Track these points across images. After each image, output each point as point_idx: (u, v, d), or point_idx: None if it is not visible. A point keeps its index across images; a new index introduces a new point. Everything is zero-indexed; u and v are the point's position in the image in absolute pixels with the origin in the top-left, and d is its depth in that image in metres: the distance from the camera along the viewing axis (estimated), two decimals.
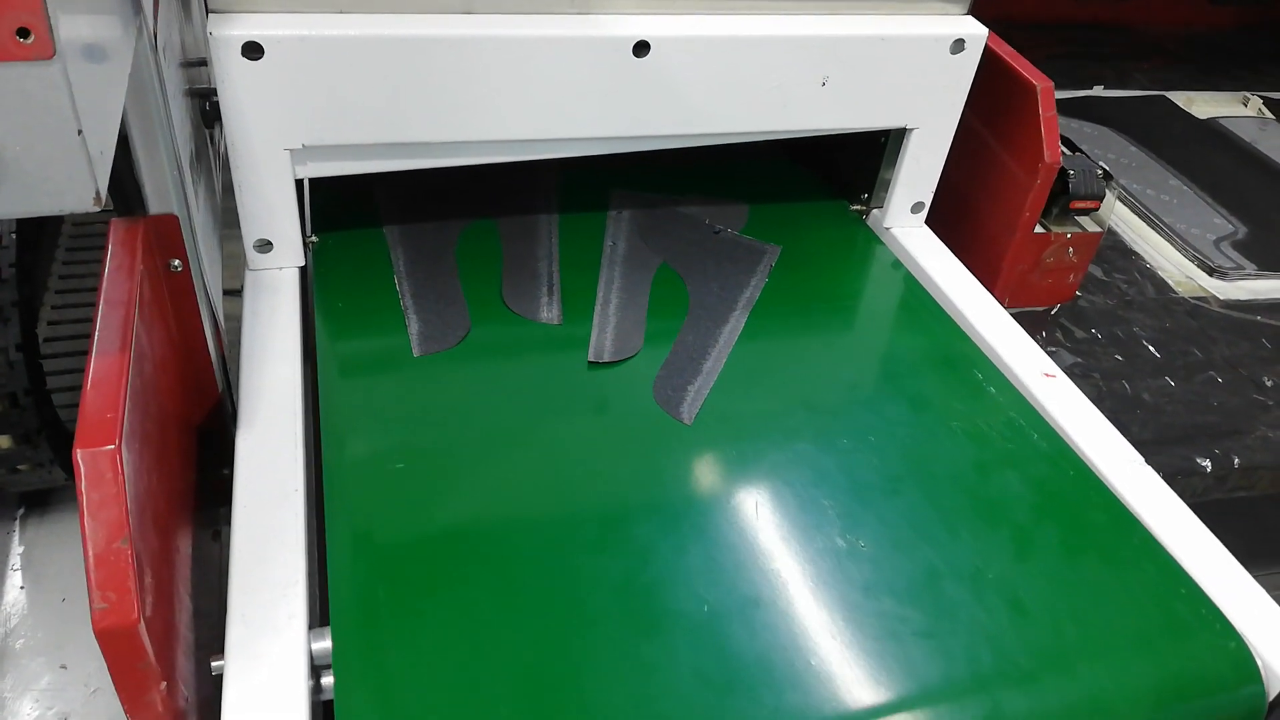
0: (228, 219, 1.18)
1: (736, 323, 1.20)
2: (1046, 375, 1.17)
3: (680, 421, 1.05)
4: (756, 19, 1.19)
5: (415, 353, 1.10)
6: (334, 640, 0.79)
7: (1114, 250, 1.85)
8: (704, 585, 0.87)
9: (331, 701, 0.76)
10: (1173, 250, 1.88)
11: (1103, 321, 1.65)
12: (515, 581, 0.86)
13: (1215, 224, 1.97)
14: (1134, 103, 2.43)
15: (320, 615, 0.85)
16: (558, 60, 1.12)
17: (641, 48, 1.14)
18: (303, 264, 1.20)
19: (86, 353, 0.76)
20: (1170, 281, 1.79)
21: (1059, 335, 1.60)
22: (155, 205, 0.90)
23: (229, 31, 1.01)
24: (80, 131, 0.57)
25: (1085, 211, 1.50)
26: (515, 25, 1.09)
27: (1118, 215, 1.96)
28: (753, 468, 1.01)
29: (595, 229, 1.35)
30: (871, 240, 1.42)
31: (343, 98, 1.08)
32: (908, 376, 1.15)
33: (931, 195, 1.42)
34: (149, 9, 0.84)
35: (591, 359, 1.12)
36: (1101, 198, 1.47)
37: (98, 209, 0.60)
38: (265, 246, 1.17)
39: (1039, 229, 1.47)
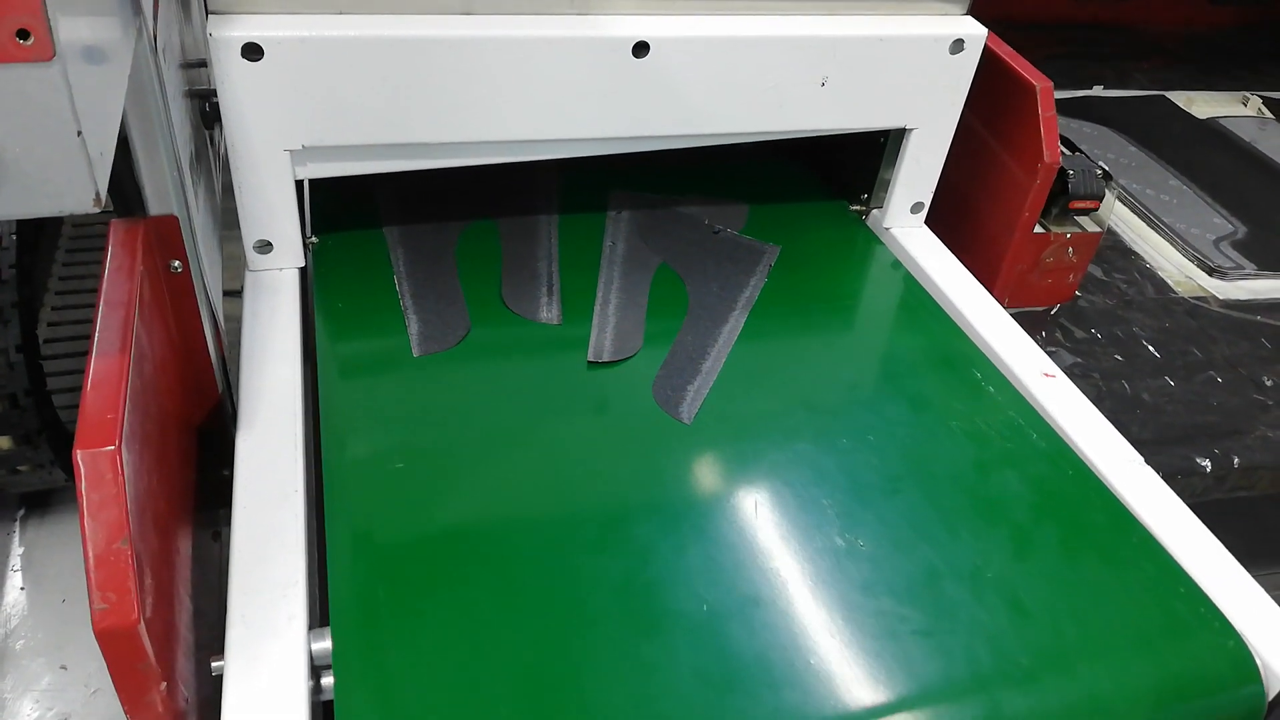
0: (228, 220, 1.18)
1: (736, 323, 1.20)
2: (1046, 375, 1.17)
3: (680, 421, 1.05)
4: (756, 19, 1.19)
5: (415, 353, 1.10)
6: (334, 641, 0.79)
7: (1114, 250, 1.85)
8: (704, 585, 0.87)
9: (331, 702, 0.76)
10: (1172, 250, 1.88)
11: (1102, 321, 1.65)
12: (515, 581, 0.86)
13: (1215, 224, 1.97)
14: (1133, 103, 2.43)
15: (320, 616, 0.85)
16: (557, 61, 1.12)
17: (641, 48, 1.14)
18: (303, 265, 1.20)
19: (86, 353, 0.76)
20: (1170, 281, 1.79)
21: (1059, 335, 1.60)
22: (155, 206, 0.90)
23: (229, 33, 1.01)
24: (80, 133, 0.57)
25: (1085, 211, 1.50)
26: (515, 26, 1.09)
27: (1117, 215, 1.96)
28: (752, 467, 1.01)
29: (595, 229, 1.35)
30: (871, 240, 1.42)
31: (342, 99, 1.08)
32: (907, 376, 1.16)
33: (931, 195, 1.42)
34: (149, 10, 0.84)
35: (591, 359, 1.12)
36: (1101, 198, 1.47)
37: (97, 210, 0.60)
38: (265, 247, 1.17)
39: (1038, 229, 1.47)
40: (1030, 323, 1.47)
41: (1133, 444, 1.08)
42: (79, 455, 0.67)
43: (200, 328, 1.00)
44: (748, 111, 1.23)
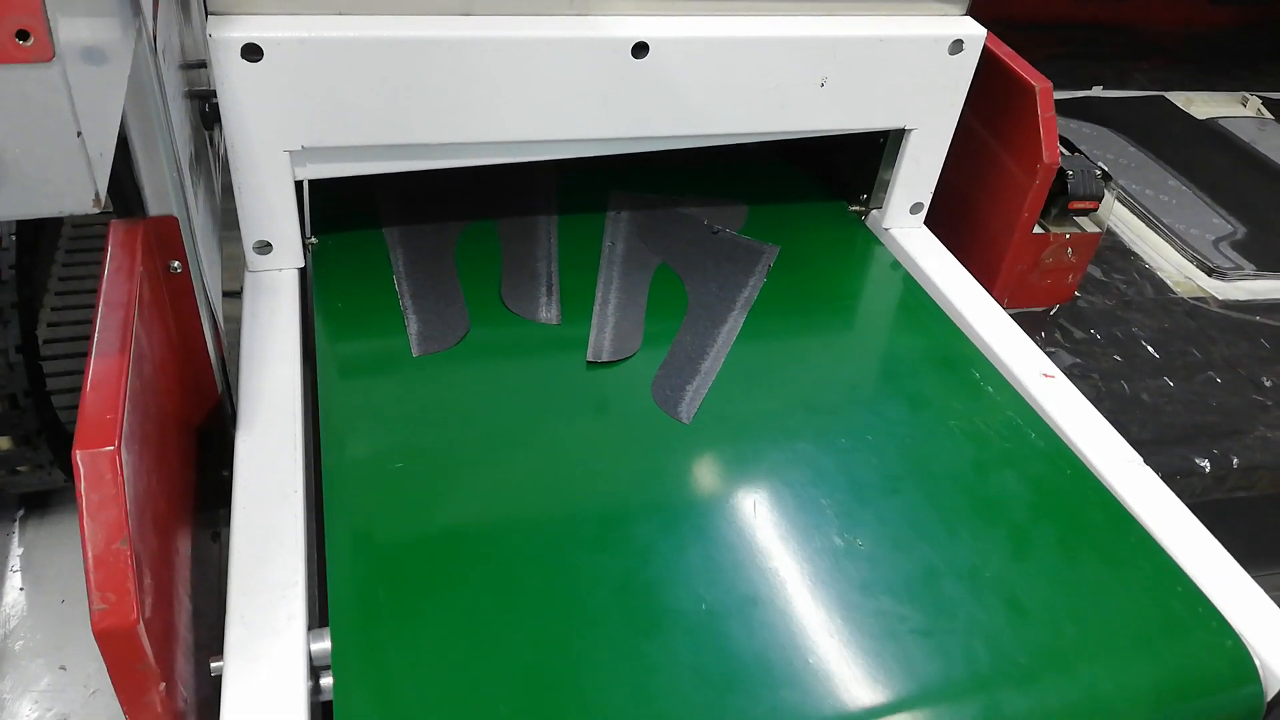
0: (227, 220, 1.18)
1: (735, 323, 1.20)
2: (1045, 375, 1.17)
3: (679, 421, 1.05)
4: (755, 20, 1.19)
5: (414, 353, 1.10)
6: (333, 641, 0.79)
7: (1113, 251, 1.86)
8: (703, 584, 0.87)
9: (330, 702, 0.76)
10: (1172, 251, 1.88)
11: (1102, 322, 1.65)
12: (514, 581, 0.86)
13: (1214, 224, 1.97)
14: (1133, 103, 2.43)
15: (319, 616, 0.85)
16: (556, 61, 1.12)
17: (640, 49, 1.14)
18: (302, 265, 1.20)
19: (86, 354, 0.76)
20: (1169, 282, 1.79)
21: (1058, 336, 1.60)
22: (155, 207, 0.90)
23: (228, 33, 1.01)
24: (80, 133, 0.57)
25: (1084, 212, 1.50)
26: (514, 27, 1.09)
27: (1117, 216, 1.96)
28: (751, 467, 1.01)
29: (594, 229, 1.35)
30: (870, 241, 1.42)
31: (342, 99, 1.08)
32: (906, 377, 1.16)
33: (930, 196, 1.42)
34: (148, 11, 0.84)
35: (590, 359, 1.12)
36: (1100, 198, 1.47)
37: (97, 211, 0.60)
38: (265, 248, 1.17)
39: (1038, 229, 1.47)
40: (1029, 323, 1.47)
41: (1132, 444, 1.09)
42: (78, 455, 0.67)
43: (200, 328, 1.00)
44: (747, 112, 1.24)
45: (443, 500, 0.93)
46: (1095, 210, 1.49)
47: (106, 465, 0.68)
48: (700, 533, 0.92)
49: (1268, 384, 1.55)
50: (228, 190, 1.13)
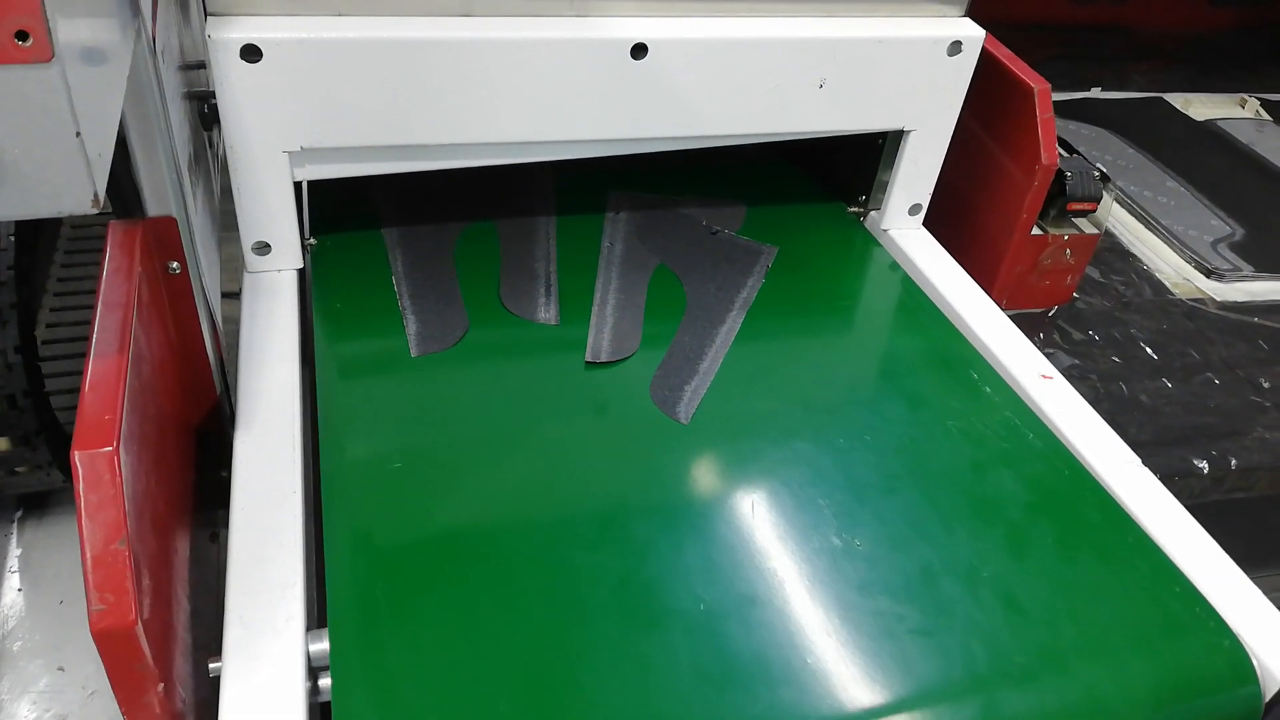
0: (226, 221, 1.18)
1: (733, 323, 1.20)
2: (1044, 377, 1.17)
3: (677, 421, 1.05)
4: (754, 21, 1.19)
5: (413, 353, 1.10)
6: (332, 642, 0.79)
7: (1111, 252, 1.86)
8: (701, 584, 0.87)
9: (329, 703, 0.76)
10: (1170, 252, 1.88)
11: (1100, 323, 1.66)
12: (513, 581, 0.86)
13: (1212, 226, 1.97)
14: (1132, 104, 2.43)
15: (318, 617, 0.85)
16: (556, 62, 1.12)
17: (639, 50, 1.14)
18: (301, 266, 1.20)
19: (85, 355, 0.76)
20: (1168, 283, 1.79)
21: (1056, 337, 1.60)
22: (154, 208, 0.90)
23: (227, 34, 1.01)
24: (79, 134, 0.57)
25: (1082, 213, 1.50)
26: (513, 27, 1.10)
27: (1115, 217, 1.96)
28: (749, 467, 1.01)
29: (593, 230, 1.35)
30: (869, 242, 1.42)
31: (341, 100, 1.08)
32: (905, 377, 1.16)
33: (929, 197, 1.42)
34: (147, 12, 0.84)
35: (589, 359, 1.12)
36: (1099, 199, 1.47)
37: (96, 211, 0.60)
38: (264, 249, 1.17)
39: (1036, 231, 1.47)
40: (1028, 324, 1.47)
41: (1130, 445, 1.09)
42: (77, 456, 0.67)
43: (198, 329, 1.00)
44: (746, 113, 1.24)
45: (441, 500, 0.93)
46: (1094, 211, 1.50)
47: (105, 466, 0.68)
48: (699, 532, 0.92)
49: (1266, 385, 1.55)
50: (226, 191, 1.13)
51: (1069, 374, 1.46)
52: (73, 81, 0.56)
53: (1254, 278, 1.83)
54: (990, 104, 1.43)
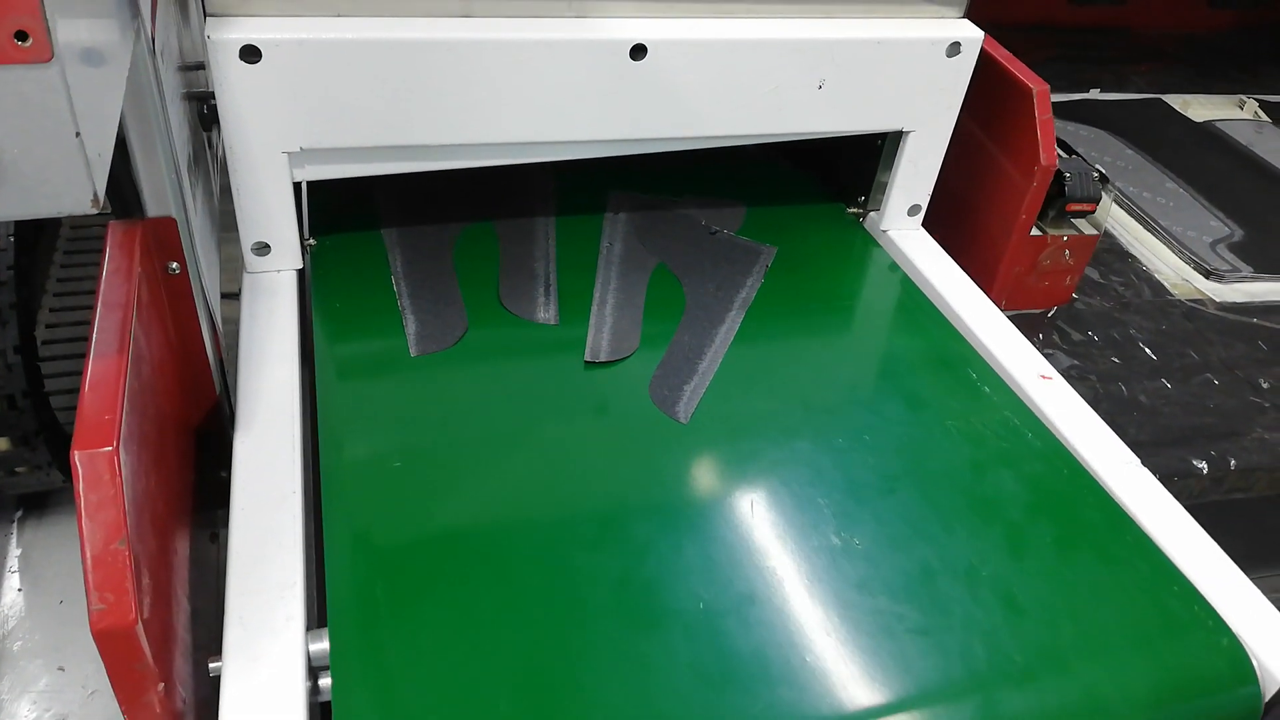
0: (226, 222, 1.18)
1: (733, 323, 1.20)
2: (1043, 377, 1.17)
3: (676, 420, 1.05)
4: (753, 22, 1.19)
5: (412, 352, 1.10)
6: (331, 641, 0.79)
7: (1110, 253, 1.86)
8: (701, 583, 0.87)
9: (329, 703, 0.76)
10: (1169, 253, 1.88)
11: (1099, 324, 1.66)
12: (513, 581, 0.86)
13: (1211, 227, 1.97)
14: (1130, 105, 2.43)
15: (318, 617, 0.85)
16: (555, 63, 1.12)
17: (638, 51, 1.14)
18: (300, 267, 1.20)
19: (84, 355, 0.76)
20: (1167, 284, 1.79)
21: (1056, 338, 1.61)
22: (153, 208, 0.90)
23: (227, 35, 1.01)
24: (78, 134, 0.57)
25: (1081, 214, 1.51)
26: (513, 28, 1.10)
27: (1114, 218, 1.97)
28: (748, 466, 1.01)
29: (592, 230, 1.36)
30: (868, 242, 1.42)
31: (340, 101, 1.08)
32: (904, 377, 1.16)
33: (928, 198, 1.42)
34: (147, 12, 0.84)
35: (588, 359, 1.12)
36: (1097, 200, 1.47)
37: (95, 211, 0.60)
38: (263, 249, 1.17)
39: (1035, 231, 1.47)
40: (1027, 325, 1.47)
41: (1130, 446, 1.09)
42: (77, 456, 0.68)
43: (198, 329, 1.00)
44: (745, 114, 1.24)
45: (441, 500, 0.93)
46: (1093, 212, 1.50)
47: (105, 466, 0.68)
48: (698, 532, 0.92)
49: (1265, 386, 1.55)
50: (226, 192, 1.14)
51: (1068, 374, 1.47)
52: (72, 82, 0.56)
53: (1253, 278, 1.83)
54: (989, 105, 1.43)
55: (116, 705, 0.70)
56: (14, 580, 1.35)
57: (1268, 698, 0.88)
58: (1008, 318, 1.27)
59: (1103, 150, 2.21)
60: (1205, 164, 2.21)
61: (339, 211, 1.31)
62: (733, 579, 0.88)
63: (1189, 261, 1.85)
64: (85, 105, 0.58)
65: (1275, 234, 1.98)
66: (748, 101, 1.23)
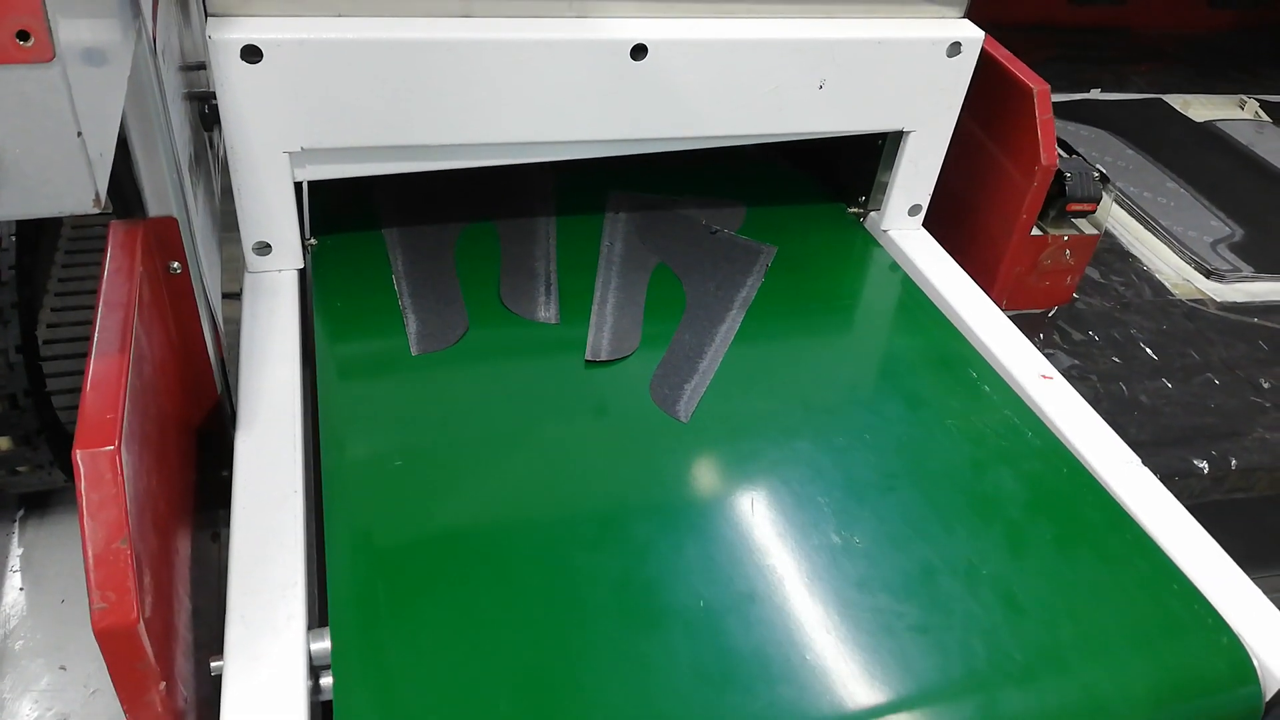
0: (227, 222, 1.18)
1: (733, 322, 1.21)
2: (1044, 377, 1.17)
3: (677, 419, 1.05)
4: (754, 22, 1.19)
5: (413, 351, 1.10)
6: (333, 641, 0.79)
7: (1111, 253, 1.86)
8: (701, 582, 0.87)
9: (330, 702, 0.76)
10: (1170, 253, 1.88)
11: (1100, 324, 1.66)
12: (513, 580, 0.86)
13: (1212, 226, 1.97)
14: (1131, 105, 2.43)
15: (319, 616, 0.85)
16: (556, 63, 1.12)
17: (639, 51, 1.14)
18: (301, 266, 1.20)
19: (86, 354, 0.76)
20: (1167, 284, 1.79)
21: (1056, 337, 1.61)
22: (154, 208, 0.90)
23: (228, 35, 1.01)
24: (80, 134, 0.57)
25: (1082, 214, 1.51)
26: (513, 28, 1.10)
27: (1115, 218, 1.97)
28: (749, 465, 1.01)
29: (593, 230, 1.36)
30: (869, 242, 1.43)
31: (341, 101, 1.08)
32: (904, 377, 1.16)
33: (929, 198, 1.42)
34: (148, 12, 0.84)
35: (589, 358, 1.12)
36: (1098, 200, 1.47)
37: (97, 211, 0.60)
38: (264, 249, 1.17)
39: (1036, 231, 1.47)
40: (1028, 325, 1.47)
41: (1130, 446, 1.09)
42: (78, 455, 0.68)
43: (199, 329, 1.01)
44: (746, 114, 1.24)
45: (442, 499, 0.93)
46: (1093, 212, 1.50)
47: (106, 465, 0.68)
48: (698, 530, 0.92)
49: (1266, 386, 1.55)
50: (227, 192, 1.14)
51: (1069, 374, 1.47)
52: (74, 82, 0.56)
53: (1253, 278, 1.83)
54: (990, 105, 1.43)
55: (118, 704, 0.71)
56: (15, 579, 1.35)
57: (1268, 697, 0.88)
58: (1008, 317, 1.27)
59: (1103, 150, 2.21)
60: (1206, 164, 2.21)
61: (340, 211, 1.31)
62: (733, 578, 0.88)
63: (1190, 261, 1.85)
64: (87, 105, 0.58)
65: (1276, 234, 1.98)
66: (748, 101, 1.23)
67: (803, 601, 0.87)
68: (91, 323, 0.79)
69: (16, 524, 1.42)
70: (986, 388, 1.15)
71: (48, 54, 0.54)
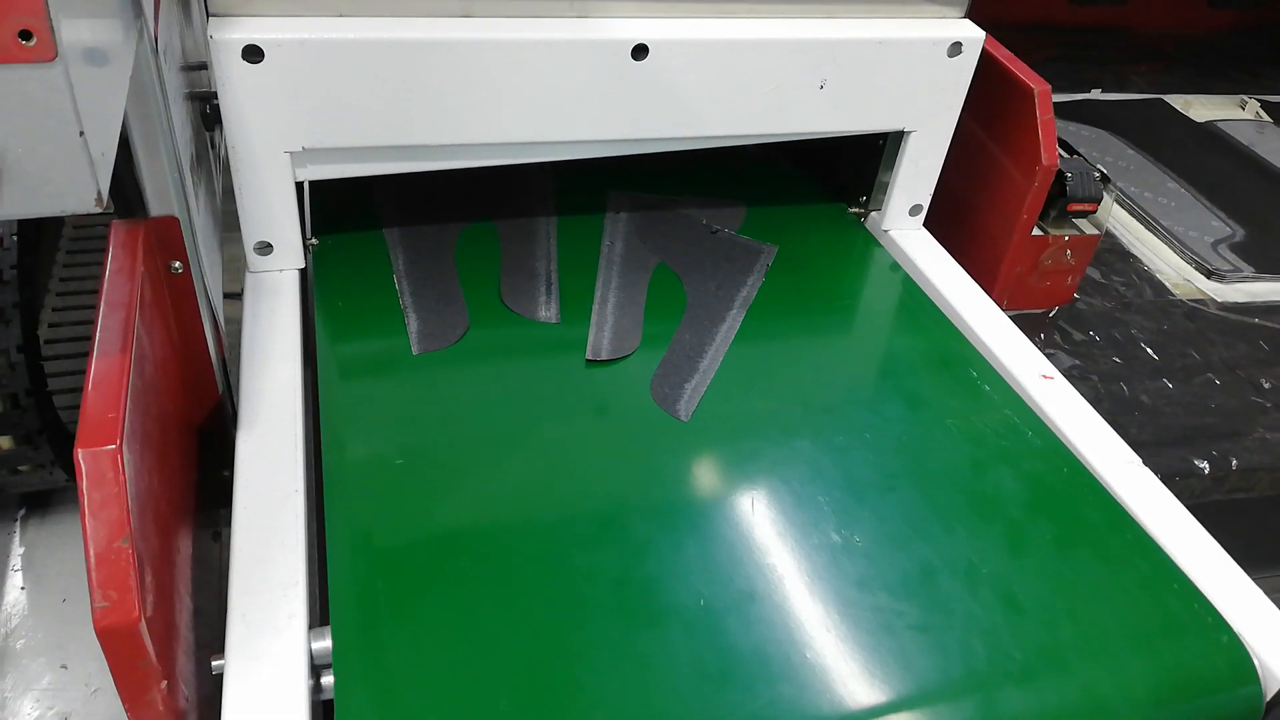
0: (228, 222, 1.18)
1: (733, 322, 1.21)
2: (1044, 377, 1.17)
3: (677, 419, 1.05)
4: (755, 22, 1.19)
5: (414, 350, 1.10)
6: (334, 640, 0.79)
7: (1112, 253, 1.86)
8: (701, 581, 0.87)
9: (331, 701, 0.76)
10: (1170, 253, 1.88)
11: (1101, 324, 1.66)
12: (514, 579, 0.86)
13: (1213, 227, 1.97)
14: (1132, 106, 2.43)
15: (320, 615, 0.85)
16: (556, 63, 1.12)
17: (640, 51, 1.14)
18: (303, 266, 1.20)
19: (87, 354, 0.76)
20: (1168, 284, 1.79)
21: (1057, 338, 1.61)
22: (156, 207, 0.90)
23: (229, 35, 1.01)
24: (82, 133, 0.58)
25: (1083, 214, 1.51)
26: (514, 28, 1.10)
27: (1115, 218, 1.97)
28: (749, 465, 1.01)
29: (593, 229, 1.36)
30: (870, 242, 1.43)
31: (342, 101, 1.08)
32: (905, 376, 1.16)
33: (929, 198, 1.42)
34: (150, 12, 0.84)
35: (589, 357, 1.12)
36: (1099, 200, 1.48)
37: (99, 210, 0.61)
38: (265, 249, 1.17)
39: (1037, 231, 1.47)
40: (1029, 325, 1.47)
41: (1131, 446, 1.09)
42: (80, 454, 0.68)
43: (201, 329, 1.01)
44: (747, 114, 1.24)
45: (443, 499, 0.93)
46: (1094, 212, 1.50)
47: (108, 464, 0.68)
48: (698, 529, 0.92)
49: (1266, 386, 1.55)
50: (228, 191, 1.14)
51: (1070, 374, 1.47)
52: (76, 81, 0.57)
53: (1254, 278, 1.83)
54: (990, 105, 1.43)
55: (119, 703, 0.71)
56: (17, 578, 1.36)
57: (1269, 697, 0.88)
58: (1009, 317, 1.27)
59: (1104, 150, 2.21)
60: (1206, 164, 2.21)
61: (340, 211, 1.31)
62: (733, 576, 0.88)
63: (1190, 261, 1.85)
64: (89, 104, 0.58)
65: (1277, 234, 1.98)
66: (749, 101, 1.23)
67: (803, 600, 0.87)
68: (93, 322, 0.79)
69: (18, 523, 1.43)
70: (987, 388, 1.15)
71: (50, 53, 0.54)
